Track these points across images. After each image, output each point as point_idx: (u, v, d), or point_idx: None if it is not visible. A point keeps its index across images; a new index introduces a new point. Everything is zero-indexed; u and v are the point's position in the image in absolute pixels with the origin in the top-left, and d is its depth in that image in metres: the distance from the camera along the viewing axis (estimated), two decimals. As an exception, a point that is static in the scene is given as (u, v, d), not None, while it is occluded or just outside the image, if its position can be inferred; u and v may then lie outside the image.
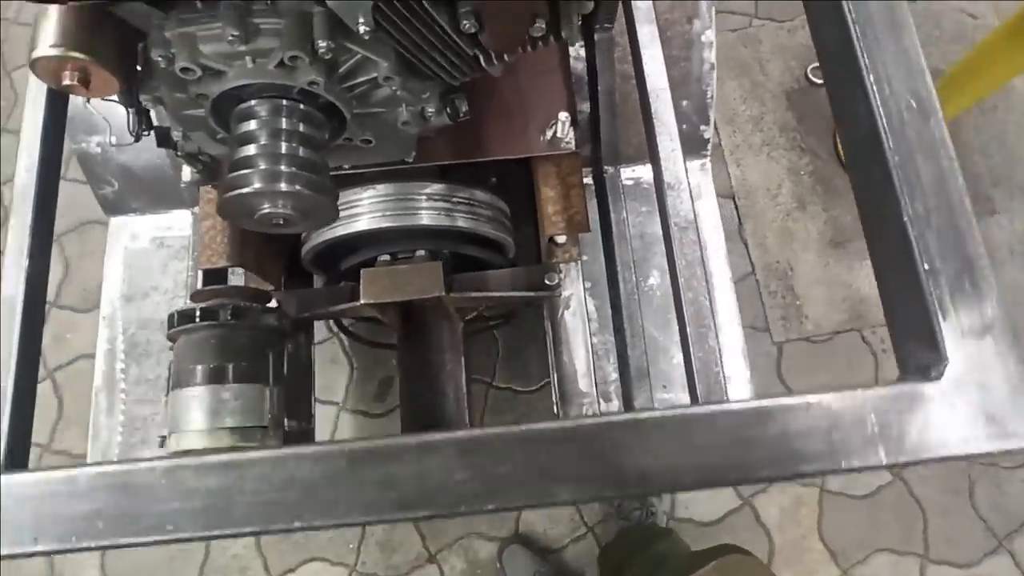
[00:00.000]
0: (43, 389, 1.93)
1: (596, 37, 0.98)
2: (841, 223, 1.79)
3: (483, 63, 0.65)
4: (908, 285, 0.30)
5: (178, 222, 1.18)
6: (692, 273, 0.64)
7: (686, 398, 1.11)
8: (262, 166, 0.65)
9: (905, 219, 0.30)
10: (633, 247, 1.09)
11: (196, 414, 0.86)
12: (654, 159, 0.69)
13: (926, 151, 0.31)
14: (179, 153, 0.84)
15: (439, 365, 1.25)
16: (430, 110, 0.77)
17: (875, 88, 0.32)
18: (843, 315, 1.73)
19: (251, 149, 0.65)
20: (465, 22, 0.57)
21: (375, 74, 0.67)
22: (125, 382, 1.10)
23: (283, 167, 0.65)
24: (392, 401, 1.79)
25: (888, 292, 0.33)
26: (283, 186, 0.65)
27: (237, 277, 1.10)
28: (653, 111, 0.70)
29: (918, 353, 0.29)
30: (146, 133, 0.80)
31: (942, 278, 0.28)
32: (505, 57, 0.65)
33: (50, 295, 2.04)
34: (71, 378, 1.94)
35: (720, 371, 0.61)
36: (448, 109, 0.79)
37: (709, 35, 1.04)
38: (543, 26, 0.59)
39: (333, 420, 1.77)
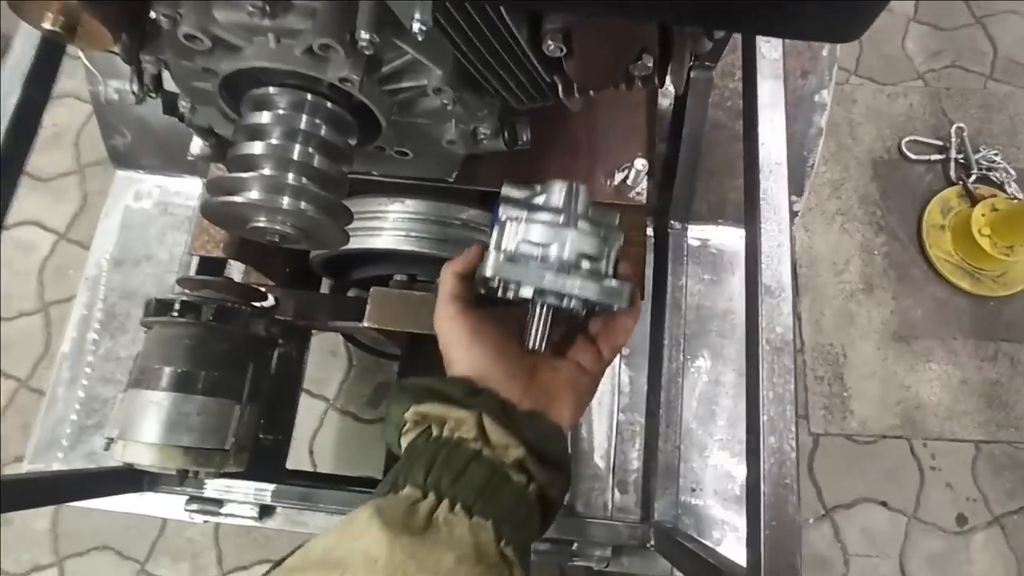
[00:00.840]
0: (35, 321, 1.85)
1: (692, 75, 0.83)
2: (910, 316, 1.61)
3: (560, 94, 0.51)
4: None
5: (187, 189, 1.06)
6: (780, 412, 0.50)
7: (717, 507, 0.97)
8: (266, 171, 0.52)
9: None
10: (687, 319, 0.94)
11: (151, 424, 0.74)
12: (752, 253, 0.55)
13: None
14: (189, 125, 0.72)
15: (440, 400, 1.12)
16: (484, 131, 0.63)
17: None
18: (894, 419, 1.56)
19: (257, 147, 0.52)
20: (550, 42, 0.43)
21: (425, 82, 0.53)
22: (94, 355, 0.99)
23: (290, 178, 0.52)
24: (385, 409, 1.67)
25: None
26: (286, 202, 0.51)
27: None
28: (762, 191, 0.55)
29: None
30: (152, 96, 0.67)
31: None
32: (591, 92, 0.50)
33: (61, 226, 1.96)
34: (64, 316, 1.85)
35: (798, 557, 0.47)
36: (506, 134, 0.65)
37: (825, 96, 0.88)
38: (650, 64, 0.45)
39: (319, 417, 1.65)
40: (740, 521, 0.90)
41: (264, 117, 0.53)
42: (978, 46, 1.82)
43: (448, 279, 0.54)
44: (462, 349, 0.50)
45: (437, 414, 0.45)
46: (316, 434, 1.64)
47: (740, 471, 0.92)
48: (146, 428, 0.74)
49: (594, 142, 0.78)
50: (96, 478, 0.81)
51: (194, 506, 0.88)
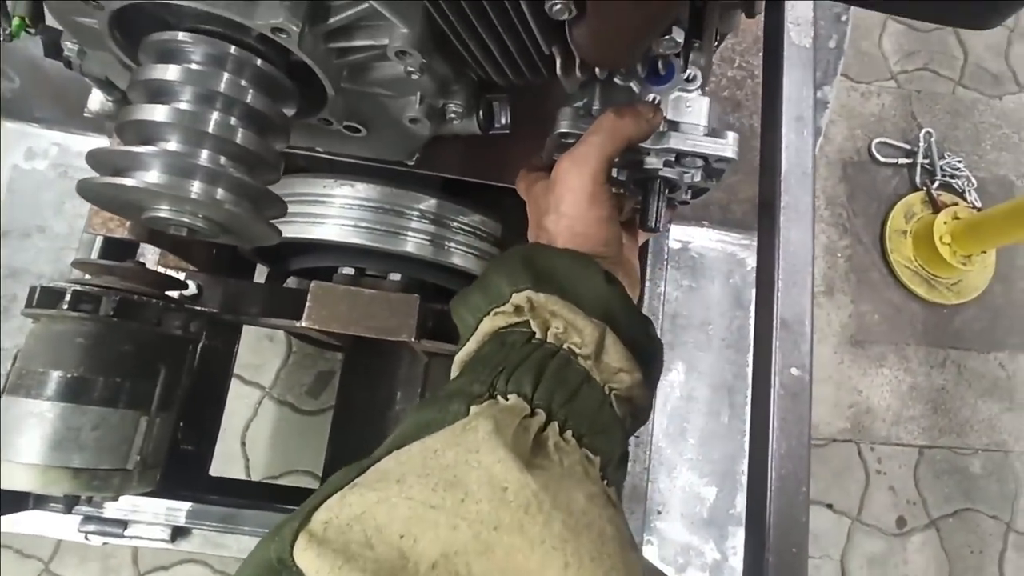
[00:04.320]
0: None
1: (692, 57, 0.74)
2: (867, 321, 1.61)
3: (558, 70, 0.40)
4: None
5: (94, 150, 0.90)
6: (792, 472, 0.42)
7: (683, 531, 0.91)
8: (171, 146, 0.40)
9: None
10: (663, 327, 0.86)
11: (32, 440, 0.61)
12: (766, 276, 0.47)
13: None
14: (82, 73, 0.58)
15: (387, 401, 1.02)
16: (455, 110, 0.53)
17: None
18: (845, 423, 1.56)
19: (160, 112, 0.40)
20: (558, 3, 0.32)
21: (385, 41, 0.42)
22: (-29, 344, 0.83)
23: (204, 157, 0.40)
24: (327, 399, 1.55)
25: None
26: (196, 189, 0.39)
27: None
28: (783, 203, 0.47)
29: None
30: (30, 32, 0.53)
31: None
32: (596, 71, 0.40)
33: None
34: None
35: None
36: (481, 114, 0.55)
37: (827, 92, 0.81)
38: (680, 40, 0.36)
39: (253, 407, 1.52)
40: (706, 547, 0.85)
41: (170, 72, 0.40)
42: (950, 50, 1.81)
43: (619, 138, 0.44)
44: (601, 224, 0.45)
45: (552, 311, 0.39)
46: (249, 425, 1.50)
47: (709, 493, 0.86)
48: (25, 445, 0.61)
49: (578, 129, 0.67)
50: (-37, 498, 0.67)
51: (90, 527, 0.75)
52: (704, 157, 0.48)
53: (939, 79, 1.79)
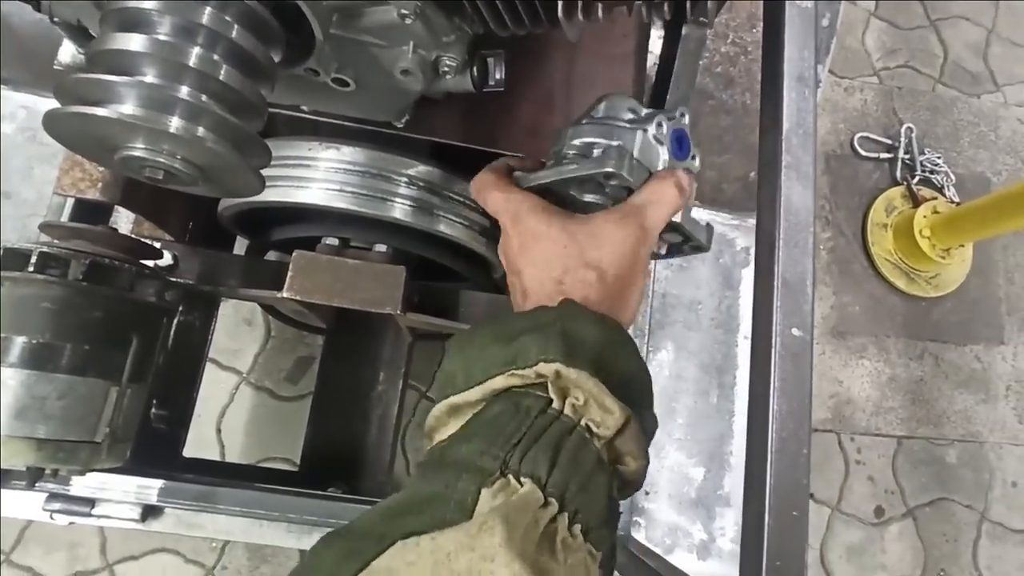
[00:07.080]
0: None
1: (684, 31, 0.73)
2: (848, 312, 1.63)
3: (560, 13, 0.39)
4: None
5: (65, 114, 0.86)
6: (794, 432, 0.41)
7: (671, 511, 0.90)
8: (148, 78, 0.37)
9: None
10: (652, 307, 0.85)
11: (-6, 408, 0.58)
12: (767, 236, 0.45)
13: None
14: (52, 18, 0.54)
15: (370, 382, 1.00)
16: (449, 63, 0.51)
17: None
18: (826, 413, 1.58)
19: (135, 42, 0.37)
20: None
21: (379, -20, 0.40)
22: (-70, 314, 0.78)
23: (184, 92, 0.38)
24: (306, 385, 1.52)
25: None
26: (176, 124, 0.37)
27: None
28: (785, 162, 0.46)
29: None
30: (-4, -29, 0.50)
31: None
32: (599, 12, 0.39)
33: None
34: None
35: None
36: (475, 69, 0.53)
37: (820, 72, 0.80)
38: None
39: (230, 392, 1.48)
40: (694, 527, 0.84)
41: (148, 1, 0.38)
42: (930, 48, 1.84)
43: (674, 213, 0.46)
44: (640, 295, 0.46)
45: (578, 385, 0.38)
46: (225, 411, 1.46)
47: (697, 474, 0.86)
48: (-14, 413, 0.58)
49: (572, 96, 0.66)
50: (-83, 473, 0.63)
51: (56, 505, 0.72)
52: (686, 235, 0.51)
53: (920, 76, 1.82)
